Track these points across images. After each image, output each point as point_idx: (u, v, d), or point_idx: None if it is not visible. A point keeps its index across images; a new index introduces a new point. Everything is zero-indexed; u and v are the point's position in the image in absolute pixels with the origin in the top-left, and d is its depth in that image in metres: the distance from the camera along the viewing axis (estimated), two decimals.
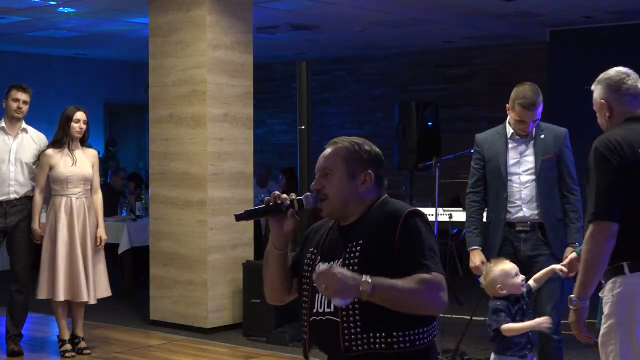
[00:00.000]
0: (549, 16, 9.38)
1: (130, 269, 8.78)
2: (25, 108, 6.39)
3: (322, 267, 2.50)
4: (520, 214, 4.87)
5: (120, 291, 8.45)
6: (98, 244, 6.33)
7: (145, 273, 8.42)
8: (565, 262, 4.20)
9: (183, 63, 7.23)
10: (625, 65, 3.68)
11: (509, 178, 4.88)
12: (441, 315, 6.17)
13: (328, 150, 2.83)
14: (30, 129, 6.50)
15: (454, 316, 6.95)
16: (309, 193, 2.79)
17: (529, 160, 4.87)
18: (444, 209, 7.10)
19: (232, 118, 7.26)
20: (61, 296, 6.18)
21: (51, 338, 6.91)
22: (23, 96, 6.36)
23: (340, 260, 2.70)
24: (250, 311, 7.00)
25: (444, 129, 9.49)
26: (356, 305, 2.63)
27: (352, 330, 2.65)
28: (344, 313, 2.65)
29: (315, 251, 2.83)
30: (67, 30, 10.11)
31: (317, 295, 2.71)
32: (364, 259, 2.67)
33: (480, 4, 8.72)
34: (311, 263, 2.80)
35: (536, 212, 4.84)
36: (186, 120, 7.22)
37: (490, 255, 4.93)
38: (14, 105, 6.34)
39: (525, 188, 4.86)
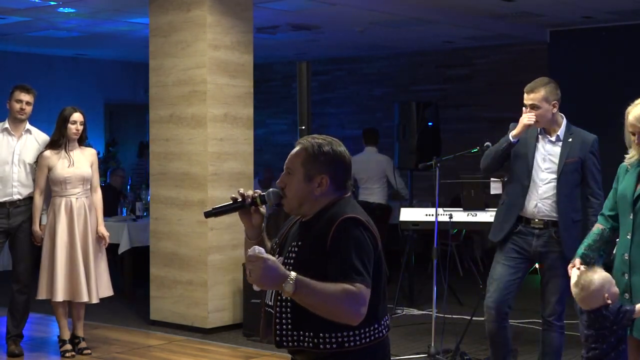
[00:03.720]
0: (549, 16, 9.38)
1: (130, 268, 8.78)
2: (28, 109, 6.37)
3: (254, 251, 2.55)
4: (535, 209, 5.02)
5: (120, 291, 8.44)
6: (103, 242, 6.34)
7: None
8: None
9: (183, 63, 7.22)
10: (624, 65, 3.69)
11: (533, 171, 5.04)
12: (441, 315, 6.24)
13: (294, 149, 2.86)
14: (34, 129, 6.49)
15: (454, 316, 6.95)
16: (274, 189, 2.88)
17: (554, 160, 5.03)
18: (444, 209, 7.10)
19: (232, 118, 7.26)
20: (60, 296, 6.18)
21: (51, 338, 6.91)
22: (26, 97, 6.35)
23: (282, 257, 2.80)
24: (250, 311, 6.99)
25: (444, 129, 9.49)
26: (288, 303, 2.70)
27: (284, 326, 2.74)
28: (277, 308, 2.73)
29: (277, 241, 2.93)
30: (67, 30, 10.11)
31: None
32: (298, 259, 2.75)
33: (480, 4, 8.72)
34: (273, 253, 2.86)
35: (551, 209, 5.00)
36: (186, 120, 7.22)
37: (495, 235, 5.12)
38: (17, 106, 6.33)
39: (544, 184, 5.02)
